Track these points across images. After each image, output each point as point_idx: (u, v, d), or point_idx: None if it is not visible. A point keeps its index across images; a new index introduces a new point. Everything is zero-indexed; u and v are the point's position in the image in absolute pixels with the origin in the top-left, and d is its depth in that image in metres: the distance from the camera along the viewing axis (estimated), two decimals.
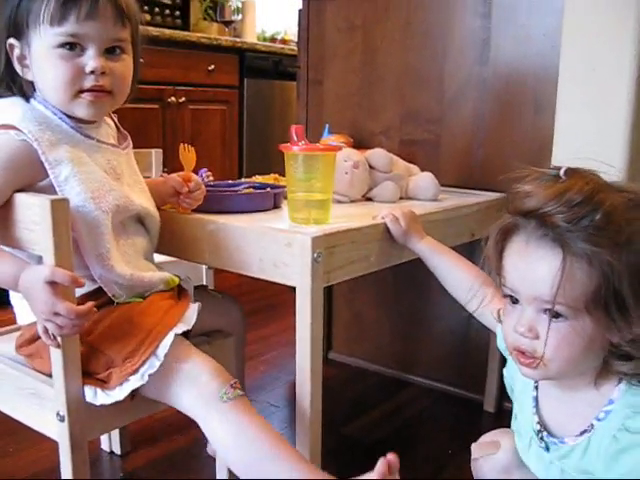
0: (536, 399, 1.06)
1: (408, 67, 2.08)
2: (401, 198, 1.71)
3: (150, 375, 1.12)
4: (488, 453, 1.18)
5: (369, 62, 2.17)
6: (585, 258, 0.87)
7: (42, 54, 1.13)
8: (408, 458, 1.71)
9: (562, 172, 0.93)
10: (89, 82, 1.15)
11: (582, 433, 0.95)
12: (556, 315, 0.90)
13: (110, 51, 1.17)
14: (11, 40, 1.15)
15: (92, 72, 1.14)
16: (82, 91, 1.16)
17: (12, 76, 1.18)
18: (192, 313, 1.23)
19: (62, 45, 1.12)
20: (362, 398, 2.14)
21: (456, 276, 1.30)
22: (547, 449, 1.01)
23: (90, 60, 1.14)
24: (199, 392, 1.12)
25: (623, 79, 1.47)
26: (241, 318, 1.51)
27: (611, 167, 0.94)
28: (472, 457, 1.21)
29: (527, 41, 1.85)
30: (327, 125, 2.09)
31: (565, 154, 1.55)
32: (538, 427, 1.03)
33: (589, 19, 1.52)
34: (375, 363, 2.33)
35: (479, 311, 1.18)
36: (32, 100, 1.18)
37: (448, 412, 2.05)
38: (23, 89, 1.18)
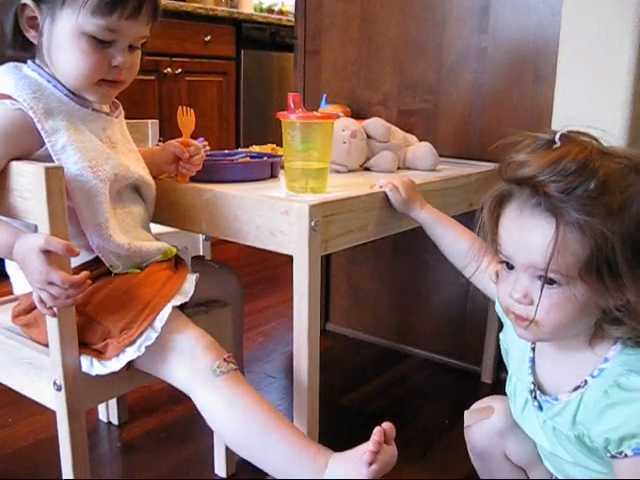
0: (533, 360, 1.07)
1: (406, 36, 2.06)
2: (399, 168, 1.70)
3: (147, 347, 1.11)
4: (481, 418, 1.19)
5: (367, 31, 2.14)
6: (578, 227, 0.87)
7: (71, 36, 1.12)
8: (405, 429, 1.73)
9: (557, 137, 0.93)
10: (112, 74, 1.17)
11: (576, 389, 0.97)
12: (550, 282, 0.91)
13: (131, 46, 1.18)
14: (27, 1, 1.12)
15: (116, 66, 1.16)
16: (102, 80, 1.17)
17: (15, 34, 1.16)
18: (190, 285, 1.23)
19: (96, 35, 1.12)
20: (360, 369, 2.15)
21: (456, 244, 1.30)
22: (540, 408, 1.03)
23: (118, 55, 1.15)
24: (192, 366, 1.12)
25: (625, 47, 1.45)
26: (239, 288, 1.50)
27: (607, 133, 0.95)
28: (465, 425, 1.22)
29: (527, 9, 1.83)
30: (324, 95, 2.07)
31: (564, 124, 1.53)
32: (532, 387, 1.05)
33: None
34: (373, 334, 2.34)
35: (476, 276, 1.19)
36: (24, 67, 1.17)
37: (445, 383, 2.05)
38: (24, 47, 1.17)
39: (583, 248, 0.88)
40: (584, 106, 1.54)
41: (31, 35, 1.15)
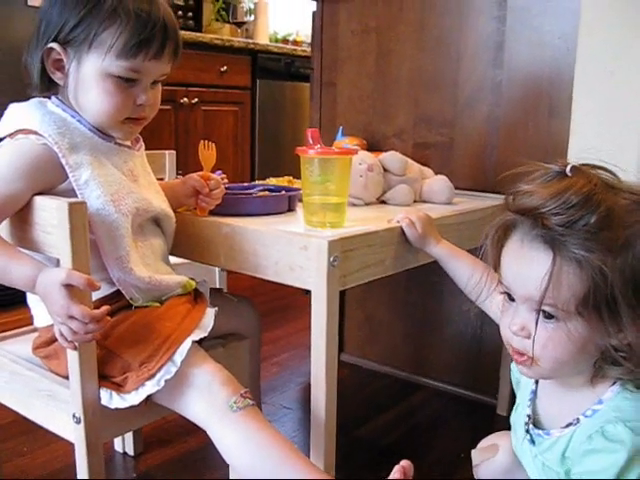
0: (534, 392, 1.06)
1: (422, 70, 2.08)
2: (415, 201, 1.71)
3: (166, 381, 1.12)
4: (487, 457, 1.18)
5: (382, 65, 2.17)
6: (576, 262, 0.86)
7: (96, 77, 1.15)
8: (420, 461, 1.72)
9: (568, 169, 0.91)
10: (136, 112, 1.20)
11: (567, 425, 0.95)
12: (549, 316, 0.89)
13: (154, 82, 1.21)
14: (54, 45, 1.15)
15: (140, 104, 1.19)
16: (127, 119, 1.20)
17: (41, 75, 1.19)
18: (209, 319, 1.24)
19: (121, 76, 1.15)
20: (374, 400, 2.14)
21: (467, 277, 1.29)
22: (532, 442, 1.02)
23: (142, 93, 1.19)
24: (209, 401, 1.12)
25: None
26: (257, 321, 1.51)
27: (617, 169, 0.93)
28: (473, 464, 1.21)
29: (542, 44, 1.85)
30: (341, 127, 2.08)
31: (580, 159, 1.54)
32: (526, 419, 1.04)
33: (606, 22, 1.52)
34: (387, 365, 2.33)
35: (488, 308, 1.19)
36: (49, 103, 1.19)
37: (460, 415, 2.04)
38: (48, 88, 1.20)
39: (581, 283, 0.86)
40: (599, 140, 1.55)
41: (57, 77, 1.18)
